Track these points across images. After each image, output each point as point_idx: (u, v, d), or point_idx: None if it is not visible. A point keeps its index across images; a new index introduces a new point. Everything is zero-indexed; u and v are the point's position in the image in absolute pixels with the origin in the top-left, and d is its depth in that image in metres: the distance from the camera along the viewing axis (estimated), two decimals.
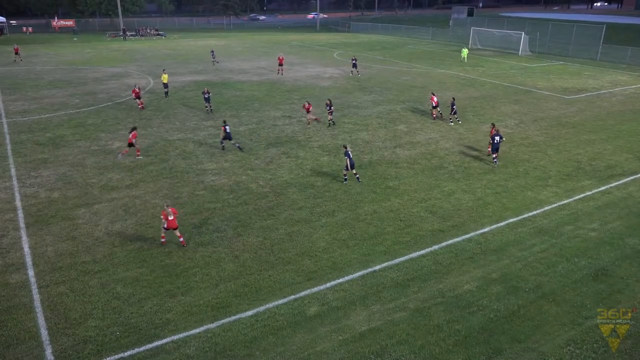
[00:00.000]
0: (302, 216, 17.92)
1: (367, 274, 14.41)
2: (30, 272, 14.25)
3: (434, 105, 30.27)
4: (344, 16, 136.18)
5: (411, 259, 15.16)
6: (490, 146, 23.13)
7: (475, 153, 24.74)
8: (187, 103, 34.88)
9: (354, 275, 14.32)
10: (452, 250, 15.75)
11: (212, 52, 56.77)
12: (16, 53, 55.78)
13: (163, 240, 15.90)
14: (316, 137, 27.09)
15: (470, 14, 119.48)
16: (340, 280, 14.10)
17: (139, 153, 23.73)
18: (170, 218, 15.28)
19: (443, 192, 20.08)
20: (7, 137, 26.75)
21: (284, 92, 39.49)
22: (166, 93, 36.84)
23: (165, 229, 15.51)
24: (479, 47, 69.35)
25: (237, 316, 12.54)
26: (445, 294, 13.48)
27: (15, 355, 11.12)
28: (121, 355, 11.16)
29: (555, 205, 18.95)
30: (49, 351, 11.25)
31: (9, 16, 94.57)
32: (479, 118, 31.29)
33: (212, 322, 12.28)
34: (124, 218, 17.59)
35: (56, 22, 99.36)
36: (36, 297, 13.16)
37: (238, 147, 20.24)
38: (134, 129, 23.42)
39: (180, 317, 12.46)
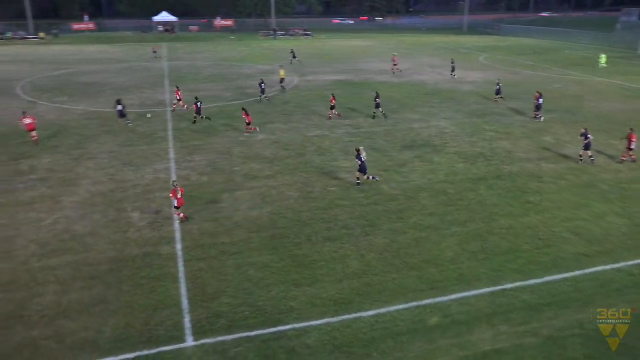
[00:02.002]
0: (431, 223, 17.49)
1: (496, 291, 13.61)
2: (178, 246, 15.84)
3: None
4: (495, 18, 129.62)
5: (548, 282, 13.97)
6: None
7: (638, 174, 22.00)
8: (327, 101, 35.90)
9: (481, 291, 13.62)
10: (597, 278, 14.20)
11: (292, 50, 57.72)
12: (154, 52, 62.82)
13: (182, 216, 17.28)
14: (453, 143, 26.22)
15: None
16: (466, 294, 13.51)
17: (253, 129, 27.61)
18: (179, 196, 16.72)
19: (592, 213, 18.17)
20: (170, 124, 30.00)
21: (423, 95, 38.85)
22: (283, 88, 39.54)
23: (176, 207, 16.99)
24: None
25: (358, 314, 12.65)
26: (585, 325, 12.20)
27: (160, 318, 12.46)
28: (248, 334, 11.91)
29: None
30: (187, 319, 12.42)
31: (179, 16, 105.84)
32: None
33: (334, 317, 12.55)
34: (261, 206, 18.72)
35: (218, 22, 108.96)
36: (181, 269, 14.60)
37: (374, 178, 20.19)
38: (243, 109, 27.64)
39: (303, 307, 12.93)
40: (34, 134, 25.90)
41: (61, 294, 13.29)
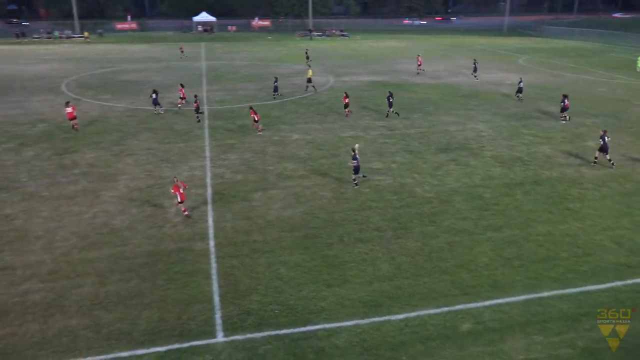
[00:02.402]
0: (465, 227, 17.20)
1: (531, 299, 13.27)
2: (211, 243, 16.10)
3: None
4: (536, 19, 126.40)
5: (587, 292, 13.53)
6: None
7: None
8: (362, 102, 35.85)
9: (515, 298, 13.30)
10: (638, 290, 13.66)
11: (307, 50, 57.75)
12: (181, 51, 62.87)
13: (186, 212, 17.65)
14: (490, 147, 25.72)
15: None
16: (500, 300, 13.22)
17: (258, 127, 27.92)
18: (181, 191, 17.23)
19: (635, 222, 17.50)
20: (206, 122, 30.52)
21: (459, 97, 38.25)
22: (311, 87, 39.65)
23: (179, 202, 17.39)
24: None
25: (388, 317, 12.56)
26: (625, 339, 11.76)
27: (192, 312, 12.69)
28: (277, 332, 11.99)
29: None
30: (218, 315, 12.60)
31: (218, 16, 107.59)
32: None
33: (363, 319, 12.50)
34: (294, 206, 18.82)
35: (255, 22, 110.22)
36: (214, 265, 14.83)
37: (364, 176, 20.28)
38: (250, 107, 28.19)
39: (333, 307, 12.93)
40: (75, 122, 28.21)
41: (99, 286, 13.71)
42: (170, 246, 15.82)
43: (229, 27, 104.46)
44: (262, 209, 18.55)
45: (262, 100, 36.40)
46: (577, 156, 24.27)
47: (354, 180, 20.53)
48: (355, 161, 19.94)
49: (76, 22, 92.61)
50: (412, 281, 14.08)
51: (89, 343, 11.56)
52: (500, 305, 13.05)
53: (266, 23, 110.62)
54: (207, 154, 24.63)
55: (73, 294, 13.33)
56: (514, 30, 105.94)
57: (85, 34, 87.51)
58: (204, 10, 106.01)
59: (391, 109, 31.43)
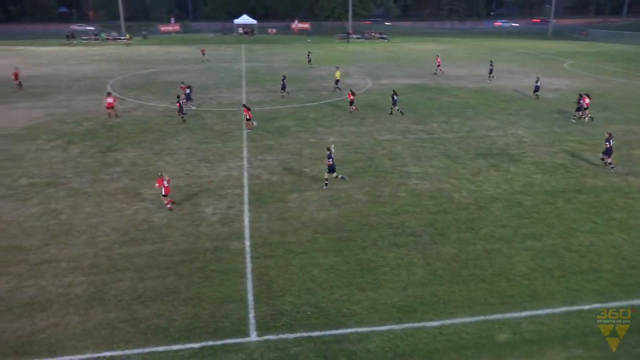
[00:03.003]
0: (504, 235, 16.79)
1: (572, 311, 12.83)
2: (247, 243, 16.27)
3: None
4: (583, 22, 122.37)
5: (632, 306, 12.96)
6: None
7: None
8: (400, 106, 35.48)
9: (555, 310, 12.89)
10: None
11: (309, 53, 57.87)
12: (203, 54, 62.48)
13: (169, 206, 18.37)
14: (532, 153, 25.04)
15: None
16: (539, 311, 12.84)
17: (251, 124, 28.70)
18: (166, 185, 17.99)
19: None
20: (244, 123, 30.89)
21: (501, 101, 37.43)
22: (339, 89, 39.84)
23: (164, 195, 18.14)
24: None
25: (422, 324, 12.39)
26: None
27: (226, 311, 12.85)
28: (309, 334, 12.01)
29: None
30: (251, 315, 12.72)
31: (259, 19, 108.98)
32: None
33: (396, 324, 12.37)
34: (328, 208, 18.82)
35: (295, 25, 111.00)
36: (248, 265, 14.98)
37: (342, 178, 20.31)
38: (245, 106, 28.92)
39: (366, 312, 12.85)
40: (111, 111, 31.01)
41: (137, 281, 14.07)
42: (206, 244, 16.08)
43: (269, 30, 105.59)
44: (297, 210, 18.63)
45: (301, 102, 36.59)
46: (624, 164, 23.34)
47: (326, 180, 20.67)
48: (330, 160, 20.10)
49: (122, 24, 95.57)
50: (448, 288, 13.84)
51: (127, 336, 11.87)
52: (539, 316, 12.67)
53: (306, 26, 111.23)
54: (245, 154, 24.94)
55: (112, 288, 13.72)
56: (559, 34, 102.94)
57: (128, 35, 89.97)
58: (245, 13, 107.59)
59: (396, 107, 32.56)
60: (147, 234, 16.78)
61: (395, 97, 32.41)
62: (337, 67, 42.77)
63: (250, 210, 18.58)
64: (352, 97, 32.68)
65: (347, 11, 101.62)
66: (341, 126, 30.17)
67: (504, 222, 17.67)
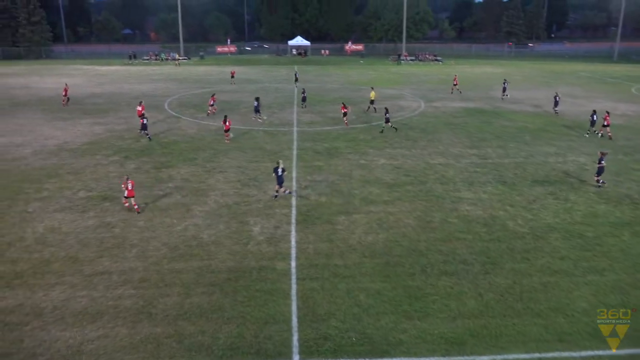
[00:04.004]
0: (562, 267, 15.86)
1: (637, 354, 11.84)
2: (293, 264, 16.15)
3: None
4: None
5: None
6: None
7: None
8: (455, 129, 34.85)
9: (619, 352, 11.93)
10: None
11: (296, 73, 58.61)
12: (232, 76, 60.05)
13: (126, 204, 19.92)
14: (593, 181, 23.77)
15: None
16: (601, 352, 11.92)
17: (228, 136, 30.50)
18: (129, 188, 19.31)
19: None
20: (295, 143, 31.15)
21: (560, 126, 35.99)
22: (374, 108, 40.17)
23: (125, 197, 19.56)
24: None
25: (472, 357, 11.78)
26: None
27: (269, 332, 12.71)
28: None
29: None
30: (295, 337, 12.51)
31: (312, 41, 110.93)
32: None
33: (444, 356, 11.82)
34: (376, 231, 18.47)
35: (348, 47, 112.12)
36: (294, 286, 14.82)
37: (289, 192, 20.36)
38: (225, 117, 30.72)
39: (412, 341, 12.36)
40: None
41: (184, 297, 14.20)
42: (252, 263, 16.08)
43: (322, 51, 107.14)
44: (345, 232, 18.39)
45: (351, 124, 36.54)
46: None
47: (276, 192, 21.31)
48: (274, 174, 20.90)
49: (181, 45, 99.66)
50: (500, 321, 13.14)
51: (172, 352, 11.93)
52: (600, 357, 11.78)
53: (359, 47, 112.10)
54: (294, 174, 25.02)
55: (160, 303, 13.90)
56: (625, 57, 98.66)
57: (177, 56, 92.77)
58: (299, 35, 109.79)
59: (389, 124, 33.37)
60: (196, 250, 16.99)
61: (387, 114, 33.08)
62: (372, 88, 42.76)
63: (297, 231, 18.51)
64: (344, 109, 34.77)
65: (400, 33, 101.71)
66: (392, 148, 29.83)
67: (563, 254, 16.72)
